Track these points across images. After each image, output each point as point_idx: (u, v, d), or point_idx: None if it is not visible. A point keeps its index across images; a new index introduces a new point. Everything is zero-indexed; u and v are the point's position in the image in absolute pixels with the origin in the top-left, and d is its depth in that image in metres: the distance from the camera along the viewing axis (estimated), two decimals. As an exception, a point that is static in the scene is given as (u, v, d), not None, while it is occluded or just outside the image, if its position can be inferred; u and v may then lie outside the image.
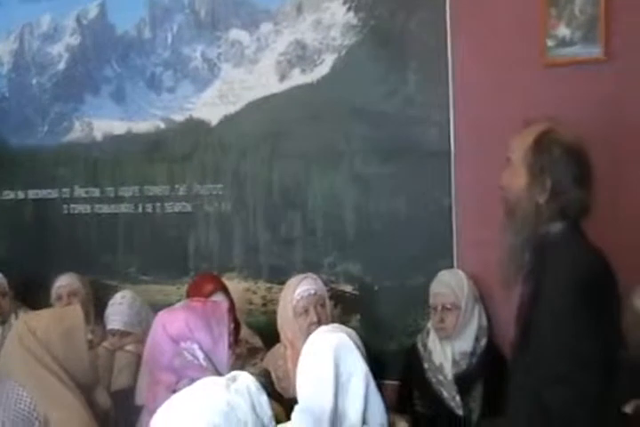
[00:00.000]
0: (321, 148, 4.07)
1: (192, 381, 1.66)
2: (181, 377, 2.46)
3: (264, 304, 4.21)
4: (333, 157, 4.03)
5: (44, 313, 2.90)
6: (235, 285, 4.19)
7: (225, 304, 2.83)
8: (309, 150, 4.10)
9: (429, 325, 3.64)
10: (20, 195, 4.93)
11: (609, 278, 2.33)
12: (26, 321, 2.72)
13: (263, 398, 1.50)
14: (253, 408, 1.46)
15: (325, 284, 3.61)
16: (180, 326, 2.58)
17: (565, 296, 2.24)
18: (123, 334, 3.85)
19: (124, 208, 4.60)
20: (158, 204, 4.51)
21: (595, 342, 2.19)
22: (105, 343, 3.88)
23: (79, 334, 2.64)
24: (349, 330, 2.30)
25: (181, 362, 2.54)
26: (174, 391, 1.63)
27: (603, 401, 2.14)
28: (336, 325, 2.38)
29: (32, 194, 4.85)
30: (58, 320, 2.66)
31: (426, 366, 3.55)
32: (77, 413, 2.51)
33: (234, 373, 1.57)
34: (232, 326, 2.73)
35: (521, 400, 2.39)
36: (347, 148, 4.00)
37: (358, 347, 2.22)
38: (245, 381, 1.52)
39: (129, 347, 3.80)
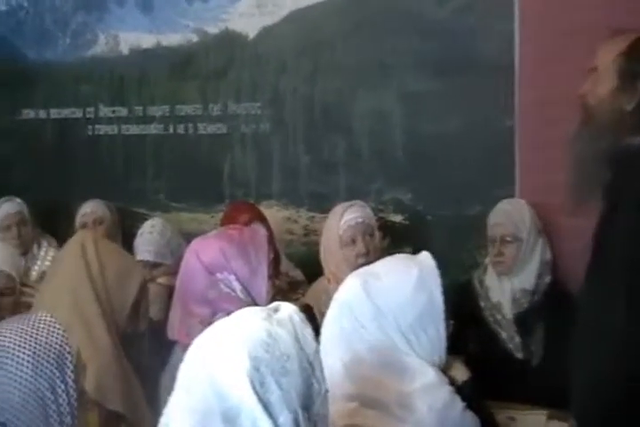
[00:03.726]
0: (367, 62, 3.97)
1: (228, 314, 1.56)
2: (217, 310, 2.42)
3: (306, 234, 4.16)
4: (380, 72, 3.94)
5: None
6: (273, 213, 4.12)
7: (263, 231, 2.75)
8: (354, 65, 3.99)
9: (487, 260, 3.52)
10: (42, 114, 4.81)
11: None
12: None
13: (307, 331, 1.42)
14: (297, 340, 1.39)
15: (372, 213, 3.50)
16: (216, 254, 2.51)
17: None
18: (153, 265, 3.77)
19: (153, 129, 4.50)
20: (190, 124, 4.41)
21: None
22: (134, 275, 3.78)
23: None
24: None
25: (216, 294, 2.49)
26: (209, 325, 1.53)
27: None
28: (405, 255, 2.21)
29: (54, 113, 4.74)
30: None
31: (482, 304, 3.45)
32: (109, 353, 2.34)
33: (275, 303, 1.50)
34: (271, 256, 2.66)
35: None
36: (395, 61, 3.92)
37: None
38: (288, 311, 1.45)
39: (160, 279, 3.72)
